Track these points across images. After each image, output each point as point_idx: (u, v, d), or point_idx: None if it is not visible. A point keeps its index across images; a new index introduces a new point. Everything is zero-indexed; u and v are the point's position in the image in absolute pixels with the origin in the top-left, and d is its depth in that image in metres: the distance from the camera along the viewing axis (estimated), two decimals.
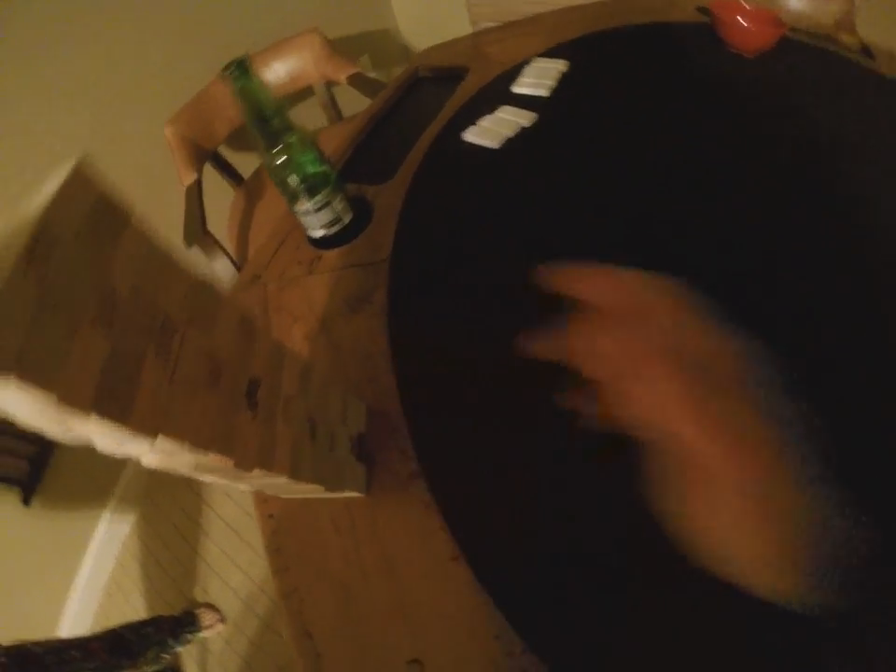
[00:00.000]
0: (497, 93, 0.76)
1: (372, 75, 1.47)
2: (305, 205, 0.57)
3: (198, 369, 0.26)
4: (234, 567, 1.28)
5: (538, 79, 0.75)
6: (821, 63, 0.69)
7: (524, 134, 0.68)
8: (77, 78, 1.20)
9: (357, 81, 1.28)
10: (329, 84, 1.38)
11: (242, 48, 1.35)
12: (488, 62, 0.85)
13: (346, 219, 0.62)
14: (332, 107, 1.45)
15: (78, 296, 0.21)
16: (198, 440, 0.24)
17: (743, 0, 0.77)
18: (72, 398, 0.19)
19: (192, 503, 1.45)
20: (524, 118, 0.70)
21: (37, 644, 0.88)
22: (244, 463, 0.27)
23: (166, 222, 1.38)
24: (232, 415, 0.27)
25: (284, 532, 0.45)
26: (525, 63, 0.79)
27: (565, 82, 0.75)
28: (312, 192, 0.56)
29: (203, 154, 1.30)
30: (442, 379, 0.46)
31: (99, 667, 0.94)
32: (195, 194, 1.20)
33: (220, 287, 0.28)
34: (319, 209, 0.58)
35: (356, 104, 1.39)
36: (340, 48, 1.34)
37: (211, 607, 1.21)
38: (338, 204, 0.60)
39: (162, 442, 0.23)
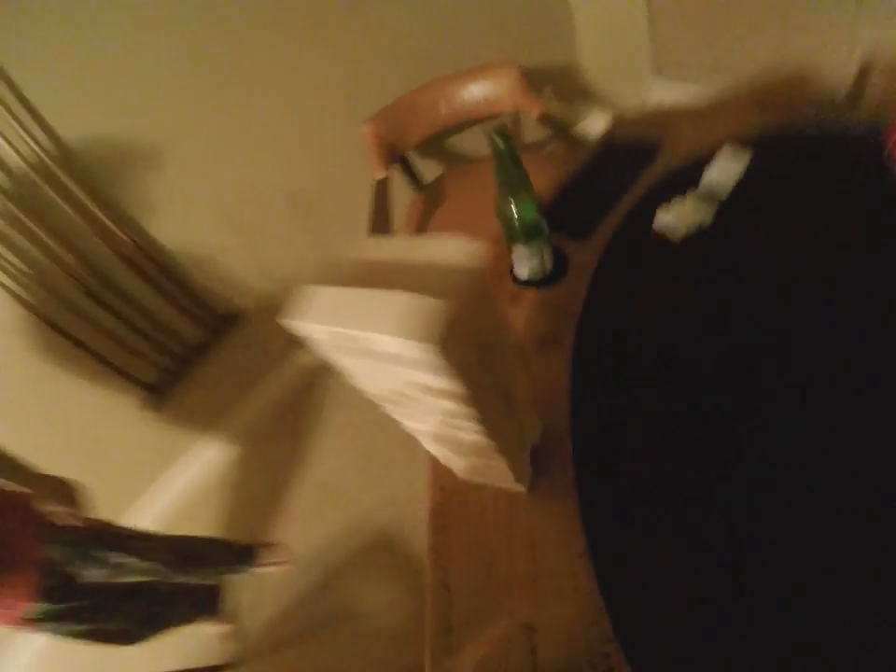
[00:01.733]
0: (684, 180, 0.88)
1: (555, 108, 1.65)
2: (521, 249, 0.75)
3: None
4: (318, 521, 1.52)
5: (720, 176, 0.86)
6: None
7: (701, 234, 0.81)
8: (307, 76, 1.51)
9: (546, 119, 1.46)
10: (518, 115, 1.58)
11: (432, 65, 1.62)
12: (678, 140, 0.97)
13: (549, 269, 0.80)
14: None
15: None
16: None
17: None
18: None
19: (293, 456, 1.72)
20: (704, 214, 0.82)
21: (123, 528, 1.13)
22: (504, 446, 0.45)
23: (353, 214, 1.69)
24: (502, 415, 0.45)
25: (449, 503, 0.63)
26: (711, 155, 0.90)
27: (744, 184, 0.85)
28: (528, 239, 0.74)
29: (394, 155, 1.56)
30: (609, 420, 0.62)
31: (170, 561, 1.16)
32: (383, 190, 1.45)
33: None
34: (531, 256, 0.76)
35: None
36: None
37: (284, 546, 1.45)
38: (546, 256, 0.77)
39: None
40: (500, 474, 0.56)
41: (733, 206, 0.83)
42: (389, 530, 1.44)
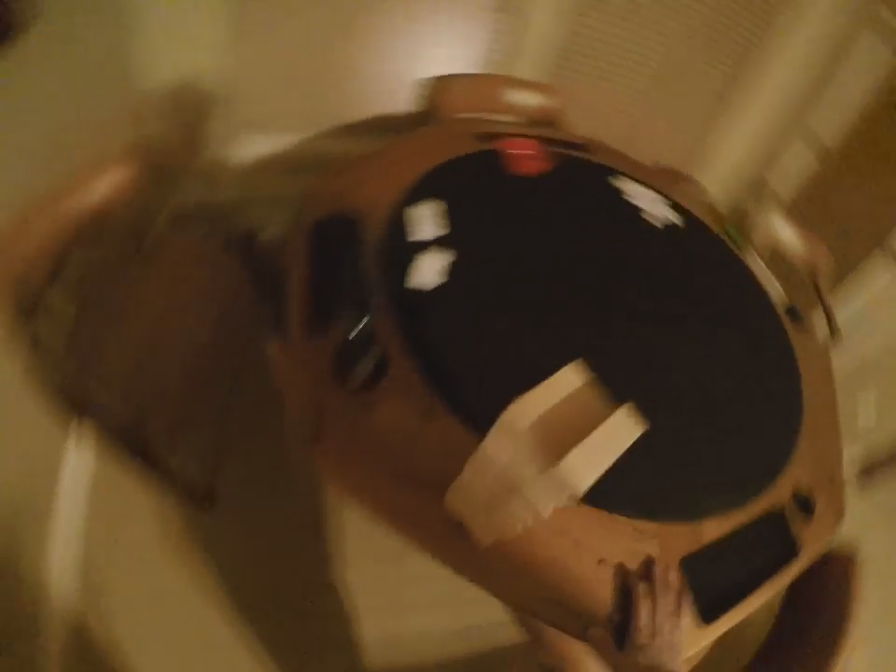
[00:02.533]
0: (402, 240, 1.06)
1: None
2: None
3: None
4: None
5: (424, 225, 1.10)
6: None
7: (455, 267, 1.03)
8: None
9: None
10: None
11: None
12: (368, 203, 1.11)
13: None
14: None
15: None
16: None
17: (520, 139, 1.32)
18: None
19: None
20: (442, 258, 1.04)
21: None
22: None
23: None
24: None
25: None
26: (404, 212, 1.11)
27: (446, 218, 1.12)
28: None
29: None
30: None
31: None
32: None
33: None
34: None
35: None
36: None
37: None
38: None
39: None
40: None
41: (456, 239, 1.08)
42: None
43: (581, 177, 1.42)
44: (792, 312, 1.39)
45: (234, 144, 1.84)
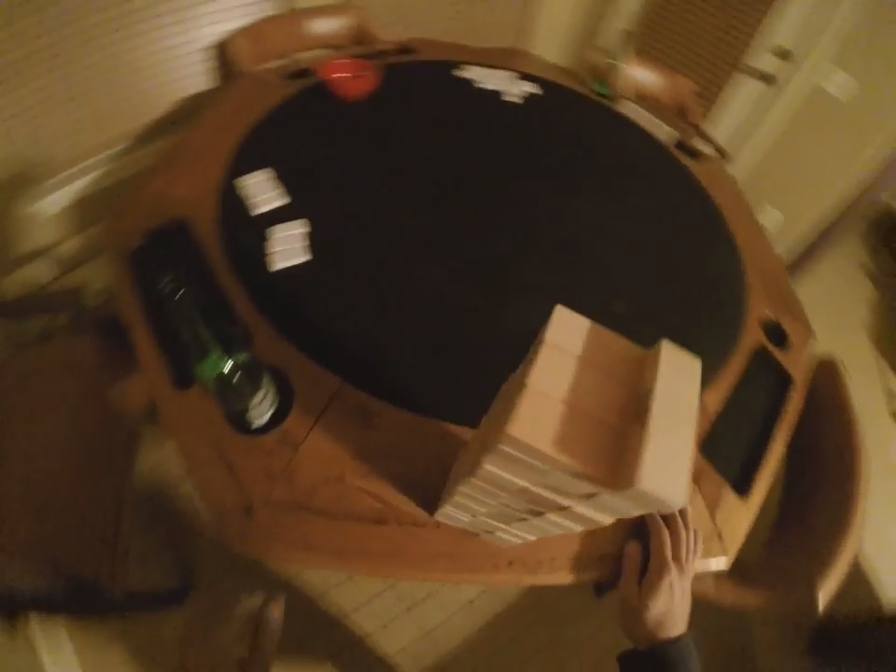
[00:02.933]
0: (246, 224, 0.84)
1: None
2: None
3: None
4: None
5: (264, 194, 0.87)
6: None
7: (313, 237, 0.83)
8: None
9: None
10: None
11: None
12: (191, 199, 0.86)
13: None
14: None
15: None
16: None
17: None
18: None
19: None
20: (298, 227, 0.83)
21: None
22: None
23: None
24: None
25: None
26: (236, 189, 0.88)
27: (283, 183, 0.90)
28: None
29: None
30: None
31: None
32: None
33: None
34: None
35: None
36: None
37: None
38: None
39: None
40: None
41: (300, 205, 0.86)
42: None
43: (419, 78, 1.23)
44: (682, 146, 1.31)
45: (38, 213, 1.44)
